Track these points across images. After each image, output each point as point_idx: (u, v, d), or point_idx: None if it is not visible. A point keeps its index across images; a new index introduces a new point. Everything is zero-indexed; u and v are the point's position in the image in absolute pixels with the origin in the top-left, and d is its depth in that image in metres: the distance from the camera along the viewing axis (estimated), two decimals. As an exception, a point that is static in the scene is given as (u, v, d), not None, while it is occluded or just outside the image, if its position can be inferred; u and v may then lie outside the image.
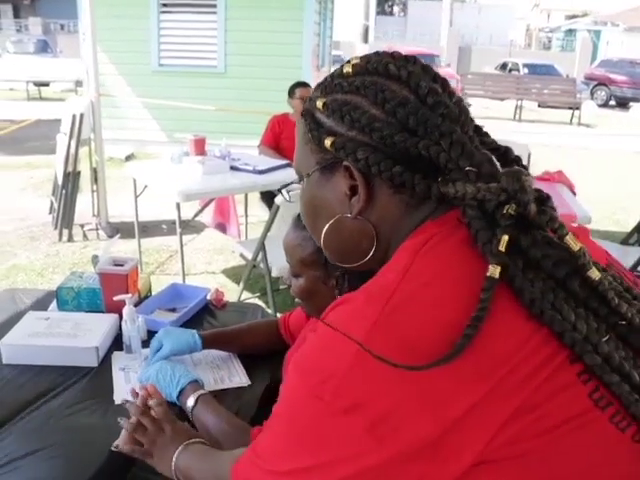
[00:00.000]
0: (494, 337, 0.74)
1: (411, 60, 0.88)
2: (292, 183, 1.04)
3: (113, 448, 1.36)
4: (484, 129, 0.96)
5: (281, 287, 4.31)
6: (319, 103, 0.88)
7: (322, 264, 1.42)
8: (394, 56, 0.88)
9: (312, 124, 0.89)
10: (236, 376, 1.82)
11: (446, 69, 19.28)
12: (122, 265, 2.05)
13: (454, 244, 0.81)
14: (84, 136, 5.37)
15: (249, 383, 1.79)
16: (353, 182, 0.86)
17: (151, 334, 1.97)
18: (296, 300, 1.58)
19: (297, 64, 8.54)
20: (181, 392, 1.57)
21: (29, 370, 1.82)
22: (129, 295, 1.88)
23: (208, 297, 2.27)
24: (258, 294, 4.32)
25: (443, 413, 0.71)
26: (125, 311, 1.84)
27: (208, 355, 1.90)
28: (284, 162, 4.44)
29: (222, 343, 1.91)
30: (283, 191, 1.12)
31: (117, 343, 1.96)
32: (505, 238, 0.76)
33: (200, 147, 4.37)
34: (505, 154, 0.91)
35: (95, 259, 2.20)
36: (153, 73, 8.96)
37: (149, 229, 5.56)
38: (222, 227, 5.16)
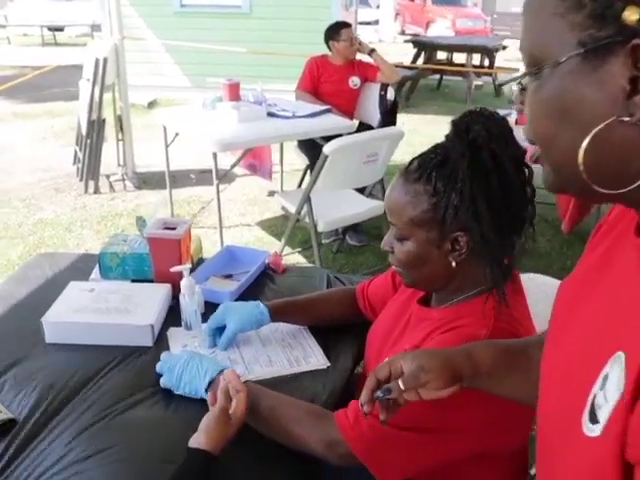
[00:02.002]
0: None
1: None
2: (523, 76, 0.70)
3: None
4: None
5: (323, 241, 4.08)
6: None
7: (437, 223, 1.19)
8: None
9: None
10: (312, 356, 1.58)
11: (473, 9, 18.44)
12: (174, 229, 1.80)
13: None
14: (108, 82, 5.08)
15: (328, 365, 1.56)
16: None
17: (208, 305, 1.75)
18: (393, 266, 1.33)
19: (326, 3, 8.08)
20: (210, 385, 1.36)
21: (76, 350, 1.60)
22: (187, 266, 1.64)
23: (266, 261, 2.02)
24: (299, 249, 4.09)
25: None
26: (183, 284, 1.61)
27: (276, 332, 1.66)
28: (324, 107, 4.14)
29: (292, 315, 1.68)
30: (513, 85, 0.78)
31: (171, 318, 1.74)
32: None
33: (234, 92, 4.08)
34: None
35: (140, 221, 1.95)
36: (175, 14, 8.58)
37: (177, 179, 5.30)
38: (253, 168, 4.90)
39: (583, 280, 0.81)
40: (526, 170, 1.19)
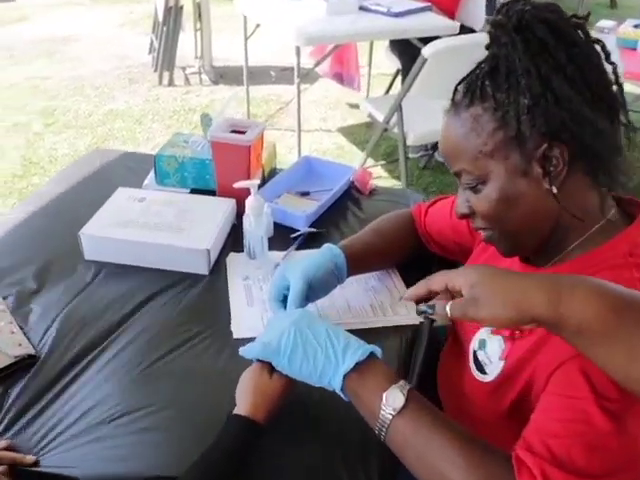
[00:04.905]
0: None
1: None
2: None
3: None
4: None
5: (410, 156, 3.70)
6: None
7: (514, 142, 0.85)
8: None
9: None
10: (403, 306, 1.26)
11: None
12: (243, 132, 1.48)
13: None
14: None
15: (422, 320, 1.23)
16: None
17: (278, 229, 1.45)
18: (483, 234, 0.98)
19: None
20: (347, 376, 0.89)
21: (116, 273, 1.34)
22: (256, 181, 1.32)
23: (351, 179, 1.69)
24: (382, 161, 3.73)
25: None
26: (249, 204, 1.30)
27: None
28: (424, 4, 3.66)
29: (371, 266, 1.33)
30: None
31: (232, 240, 1.45)
32: None
33: (324, -20, 3.64)
34: None
35: (205, 119, 1.64)
36: None
37: (255, 76, 4.94)
38: (339, 77, 4.50)
39: None
40: (597, 46, 0.87)
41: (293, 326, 0.94)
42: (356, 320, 1.22)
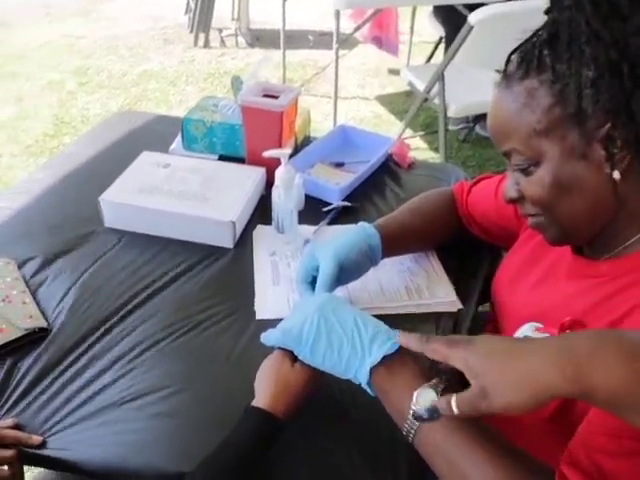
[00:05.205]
0: None
1: None
2: None
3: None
4: None
5: (450, 128, 3.57)
6: None
7: (573, 119, 0.74)
8: None
9: None
10: (441, 290, 1.17)
11: None
12: (276, 97, 1.38)
13: None
14: None
15: (460, 307, 1.14)
16: None
17: (310, 201, 1.36)
18: (531, 220, 0.88)
19: None
20: (374, 369, 0.81)
21: (137, 244, 1.27)
22: (287, 151, 1.22)
23: (389, 151, 1.59)
24: (421, 132, 3.60)
25: None
26: (279, 175, 1.21)
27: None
28: (471, -33, 3.50)
29: (408, 247, 1.24)
30: None
31: (260, 211, 1.37)
32: None
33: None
34: None
35: (237, 82, 1.55)
36: None
37: (293, 40, 4.82)
38: (378, 41, 4.35)
39: None
40: None
41: (317, 312, 0.85)
42: (390, 304, 1.13)
